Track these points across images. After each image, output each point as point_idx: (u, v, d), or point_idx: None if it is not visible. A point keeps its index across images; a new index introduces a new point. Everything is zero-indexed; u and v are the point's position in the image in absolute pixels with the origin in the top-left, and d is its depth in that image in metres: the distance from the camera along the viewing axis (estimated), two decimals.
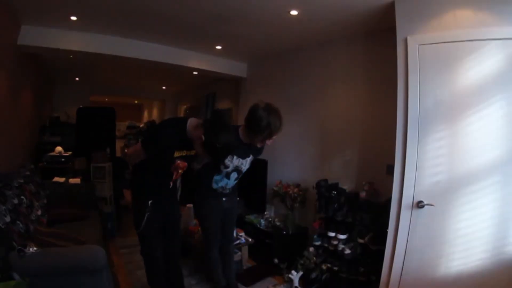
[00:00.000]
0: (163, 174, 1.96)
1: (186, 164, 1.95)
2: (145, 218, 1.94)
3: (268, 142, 2.00)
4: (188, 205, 3.53)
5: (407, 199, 2.12)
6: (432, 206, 2.03)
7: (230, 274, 2.48)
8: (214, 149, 1.73)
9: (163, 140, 1.81)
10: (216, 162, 2.13)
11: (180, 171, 1.94)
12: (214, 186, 2.23)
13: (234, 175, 2.23)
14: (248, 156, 2.21)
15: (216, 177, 2.20)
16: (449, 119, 2.03)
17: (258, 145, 2.06)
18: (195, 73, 4.73)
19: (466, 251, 1.94)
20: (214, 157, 1.97)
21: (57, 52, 3.44)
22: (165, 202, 2.05)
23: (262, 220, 3.44)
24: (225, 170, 2.18)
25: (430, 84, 2.08)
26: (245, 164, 2.23)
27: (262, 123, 1.89)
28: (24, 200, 2.28)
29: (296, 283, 2.63)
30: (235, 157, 2.13)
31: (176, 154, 1.89)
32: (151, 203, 1.95)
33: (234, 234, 2.82)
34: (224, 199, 2.31)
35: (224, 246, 2.42)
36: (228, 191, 2.31)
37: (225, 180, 2.23)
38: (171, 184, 2.04)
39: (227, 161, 2.12)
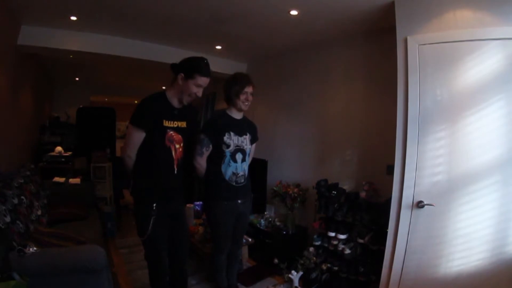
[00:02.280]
0: (164, 168, 1.87)
1: (180, 137, 1.91)
2: (151, 223, 1.81)
3: (248, 98, 2.21)
4: (188, 205, 3.53)
5: (407, 199, 2.12)
6: (432, 206, 2.03)
7: (232, 276, 2.48)
8: (213, 127, 1.93)
9: (151, 113, 1.78)
10: (217, 146, 2.16)
11: (177, 146, 1.88)
12: (226, 176, 2.19)
13: (239, 156, 2.22)
14: (245, 134, 2.27)
15: (223, 165, 2.19)
16: (449, 118, 2.03)
17: (243, 107, 2.23)
18: None
19: (466, 251, 1.94)
20: (214, 136, 2.12)
21: (57, 52, 3.44)
22: (170, 203, 1.93)
23: (262, 220, 3.44)
24: (228, 151, 2.17)
25: (430, 84, 2.08)
26: (245, 142, 2.26)
27: (231, 86, 2.18)
28: (24, 200, 2.28)
29: (296, 283, 2.63)
30: (232, 133, 2.19)
31: (166, 123, 1.83)
32: (155, 206, 1.83)
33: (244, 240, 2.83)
34: (240, 201, 2.26)
35: (233, 251, 2.40)
36: (242, 181, 2.25)
37: (233, 164, 2.20)
38: (176, 169, 1.91)
39: (226, 139, 2.16)
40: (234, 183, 2.21)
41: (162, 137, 1.84)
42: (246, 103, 2.22)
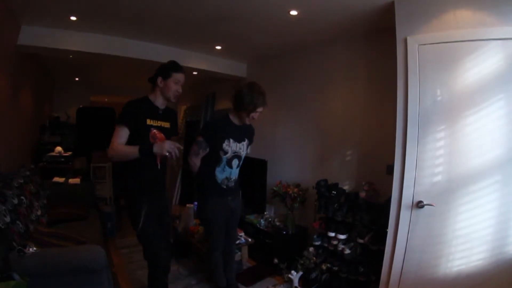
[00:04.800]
0: (147, 163, 1.96)
1: (163, 136, 2.02)
2: (142, 215, 1.94)
3: (255, 116, 2.19)
4: (188, 205, 3.53)
5: (407, 199, 2.12)
6: (432, 206, 2.03)
7: (231, 274, 2.48)
8: (213, 131, 2.09)
9: (134, 112, 1.91)
10: (214, 151, 2.17)
11: (159, 142, 1.96)
12: (218, 179, 2.21)
13: (235, 163, 2.25)
14: (244, 140, 2.28)
15: (217, 169, 2.20)
16: (449, 119, 2.03)
17: (247, 122, 2.23)
18: (195, 73, 4.73)
19: (466, 251, 1.94)
20: (213, 140, 2.16)
21: (57, 52, 3.43)
22: (156, 197, 2.08)
23: (262, 220, 3.44)
24: (225, 157, 2.18)
25: (430, 84, 2.08)
26: (243, 149, 2.27)
27: (246, 99, 2.11)
28: (24, 200, 2.28)
29: (296, 283, 2.63)
30: (231, 140, 2.19)
31: (150, 122, 1.96)
32: (145, 200, 1.97)
33: (242, 239, 2.86)
34: (229, 198, 2.30)
35: (226, 247, 2.42)
36: (233, 184, 2.29)
37: (228, 169, 2.22)
38: (159, 165, 2.02)
39: (225, 146, 2.16)
40: (224, 186, 2.25)
41: (146, 134, 1.96)
42: (252, 120, 2.23)
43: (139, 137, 1.93)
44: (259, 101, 2.14)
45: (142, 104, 1.99)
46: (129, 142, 1.92)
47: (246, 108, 2.13)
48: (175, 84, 1.99)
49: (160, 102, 2.04)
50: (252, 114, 2.17)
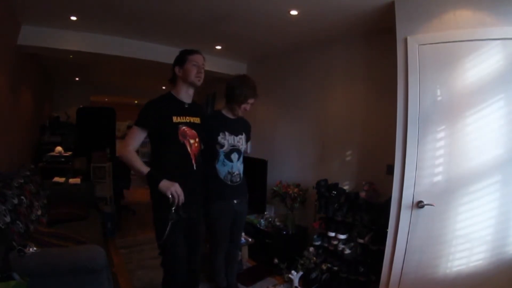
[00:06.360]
0: (181, 164, 1.80)
1: (195, 132, 1.87)
2: (169, 227, 1.70)
3: (247, 107, 2.22)
4: None
5: (407, 199, 2.12)
6: (432, 206, 2.03)
7: (231, 275, 2.48)
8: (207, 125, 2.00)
9: (156, 112, 1.75)
10: (211, 145, 2.14)
11: (191, 140, 1.83)
12: (221, 174, 2.17)
13: (235, 156, 2.21)
14: (241, 133, 2.26)
15: (217, 165, 2.17)
16: (449, 119, 2.03)
17: (240, 114, 2.24)
18: None
19: (466, 251, 1.95)
20: (207, 135, 2.09)
21: (57, 52, 3.44)
22: (189, 206, 1.81)
23: (262, 220, 3.44)
24: (222, 151, 2.16)
25: (430, 84, 2.08)
26: (241, 142, 2.25)
27: (237, 90, 2.14)
28: (24, 200, 2.28)
29: (296, 283, 2.63)
30: (227, 133, 2.18)
31: (177, 119, 1.79)
32: (174, 210, 1.71)
33: (242, 239, 2.82)
34: (235, 201, 2.23)
35: (230, 251, 2.39)
36: (238, 180, 2.22)
37: (228, 163, 2.18)
38: (195, 165, 1.84)
39: (220, 139, 2.14)
40: (229, 182, 2.20)
41: (175, 133, 1.79)
42: (244, 112, 2.24)
43: (166, 137, 1.77)
44: (250, 93, 2.16)
45: (164, 100, 1.82)
46: (156, 144, 1.78)
47: (237, 99, 2.15)
48: (193, 66, 1.81)
49: (184, 96, 1.87)
50: (244, 106, 2.19)
